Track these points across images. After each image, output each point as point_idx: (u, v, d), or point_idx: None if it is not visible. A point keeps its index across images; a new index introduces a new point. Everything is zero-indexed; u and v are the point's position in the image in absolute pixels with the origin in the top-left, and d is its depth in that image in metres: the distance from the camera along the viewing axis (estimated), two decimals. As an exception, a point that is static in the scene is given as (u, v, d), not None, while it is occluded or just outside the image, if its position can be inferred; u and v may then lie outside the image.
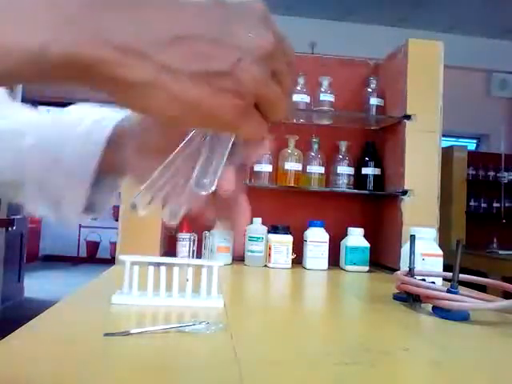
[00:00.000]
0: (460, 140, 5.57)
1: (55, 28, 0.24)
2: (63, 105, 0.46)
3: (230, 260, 1.38)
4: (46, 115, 0.46)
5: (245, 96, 0.28)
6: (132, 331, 0.56)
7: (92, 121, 0.44)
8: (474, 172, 4.11)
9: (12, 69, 0.24)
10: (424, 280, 0.83)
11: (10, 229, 3.32)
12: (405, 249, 1.12)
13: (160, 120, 0.34)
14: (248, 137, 0.32)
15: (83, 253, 6.40)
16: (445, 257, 1.08)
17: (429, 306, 0.80)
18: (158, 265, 0.75)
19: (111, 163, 0.44)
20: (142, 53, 0.25)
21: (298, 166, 1.47)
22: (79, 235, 6.35)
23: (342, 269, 1.42)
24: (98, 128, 0.43)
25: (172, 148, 0.35)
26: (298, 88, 1.49)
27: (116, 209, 1.29)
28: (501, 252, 3.32)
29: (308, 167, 1.48)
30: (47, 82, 0.27)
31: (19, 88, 3.57)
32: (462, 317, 0.74)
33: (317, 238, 1.38)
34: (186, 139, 0.34)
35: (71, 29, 0.24)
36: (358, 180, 1.51)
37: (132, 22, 0.25)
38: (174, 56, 0.26)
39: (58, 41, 0.24)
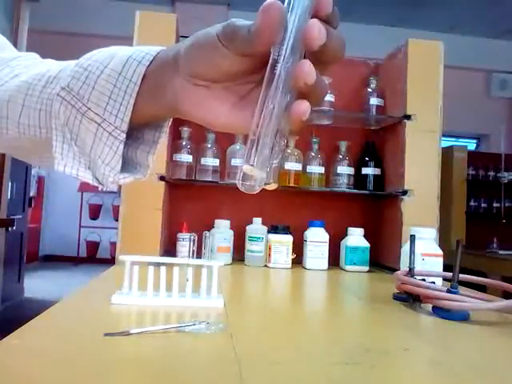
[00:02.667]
0: (460, 140, 5.57)
1: None
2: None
3: (230, 260, 1.38)
4: (69, 62, 0.42)
5: None
6: (132, 331, 0.56)
7: (125, 57, 0.38)
8: (473, 172, 4.12)
9: None
10: (424, 280, 0.83)
11: (9, 229, 3.32)
12: (405, 249, 1.12)
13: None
14: None
15: (83, 253, 6.40)
16: (445, 257, 1.08)
17: (429, 306, 0.80)
18: (158, 265, 0.75)
19: (147, 107, 0.39)
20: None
21: (298, 166, 1.47)
22: (79, 235, 6.35)
23: (342, 269, 1.42)
24: (133, 64, 0.38)
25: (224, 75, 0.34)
26: (298, 88, 1.49)
27: (116, 208, 1.29)
28: (501, 252, 3.32)
29: (308, 167, 1.48)
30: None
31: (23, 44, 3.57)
32: (461, 317, 0.74)
33: (317, 238, 1.38)
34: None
35: None
36: (358, 180, 1.51)
37: None
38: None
39: None
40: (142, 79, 0.38)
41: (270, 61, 0.32)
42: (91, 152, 0.40)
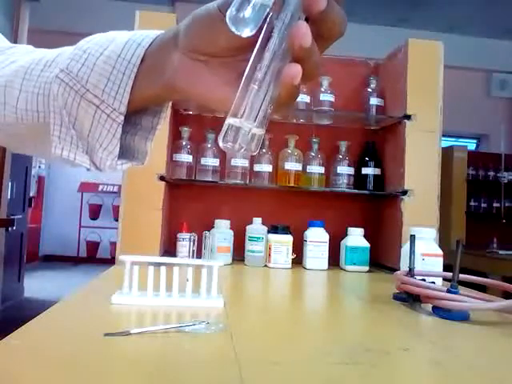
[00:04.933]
0: (460, 140, 5.57)
1: None
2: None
3: (230, 260, 1.38)
4: (68, 47, 0.42)
5: None
6: (132, 331, 0.56)
7: (124, 40, 0.38)
8: (474, 172, 4.12)
9: None
10: (424, 280, 0.83)
11: (10, 229, 3.32)
12: (405, 249, 1.12)
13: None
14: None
15: (83, 253, 6.40)
16: (445, 257, 1.08)
17: (429, 306, 0.80)
18: (158, 265, 0.75)
19: (145, 90, 0.38)
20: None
21: (298, 166, 1.47)
22: (79, 235, 6.36)
23: (342, 269, 1.42)
24: (132, 46, 0.38)
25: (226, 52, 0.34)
26: (298, 88, 1.49)
27: (116, 208, 1.30)
28: (501, 252, 3.32)
29: (308, 167, 1.48)
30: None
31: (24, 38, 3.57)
32: (462, 317, 0.74)
33: (317, 238, 1.38)
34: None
35: None
36: (358, 180, 1.51)
37: None
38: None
39: None
40: (142, 61, 0.38)
41: (266, 25, 0.31)
42: (89, 135, 0.39)
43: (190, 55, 0.35)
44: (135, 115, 0.42)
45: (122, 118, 0.38)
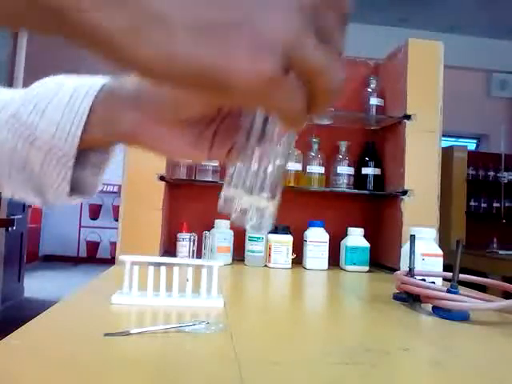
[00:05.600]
0: (460, 140, 5.57)
1: None
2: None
3: (230, 260, 1.38)
4: (19, 91, 0.42)
5: (270, 57, 0.20)
6: (132, 331, 0.56)
7: (71, 88, 0.39)
8: (474, 172, 4.12)
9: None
10: (424, 280, 0.83)
11: (9, 229, 3.32)
12: (405, 249, 1.12)
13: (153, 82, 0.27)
14: (279, 114, 0.25)
15: (83, 253, 6.41)
16: (445, 257, 1.08)
17: (429, 306, 0.80)
18: (158, 265, 0.75)
19: (91, 131, 0.39)
20: None
21: (298, 166, 1.47)
22: (79, 235, 6.36)
23: (342, 269, 1.42)
24: (79, 95, 0.38)
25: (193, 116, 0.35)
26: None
27: (116, 208, 1.30)
28: (501, 252, 3.32)
29: (308, 167, 1.48)
30: (37, 31, 0.23)
31: (19, 80, 3.56)
32: (462, 317, 0.74)
33: (317, 238, 1.38)
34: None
35: None
36: (358, 180, 1.51)
37: None
38: (162, 2, 0.20)
39: None
40: (93, 110, 0.38)
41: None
42: (39, 178, 0.40)
43: (155, 120, 0.37)
44: (84, 153, 0.42)
45: (72, 162, 0.39)
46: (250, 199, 0.33)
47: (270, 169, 0.33)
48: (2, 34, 3.36)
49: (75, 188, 0.42)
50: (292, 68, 0.22)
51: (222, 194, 0.36)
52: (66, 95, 0.39)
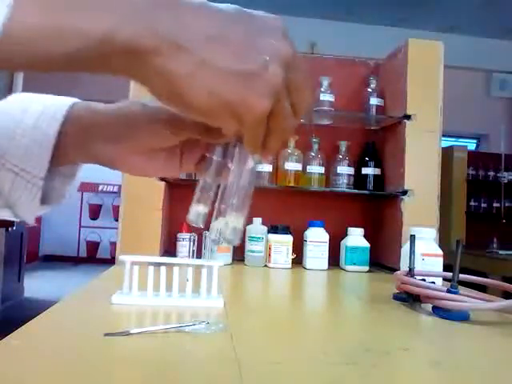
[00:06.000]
0: (460, 140, 5.57)
1: (119, 18, 0.26)
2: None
3: (229, 260, 1.38)
4: None
5: (274, 95, 0.30)
6: (132, 331, 0.56)
7: (39, 112, 0.41)
8: (474, 172, 4.12)
9: (73, 53, 0.25)
10: (424, 280, 0.83)
11: (10, 229, 3.32)
12: (405, 249, 1.12)
13: (193, 114, 0.32)
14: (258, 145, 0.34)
15: (83, 253, 6.40)
16: (445, 257, 1.08)
17: (429, 306, 0.80)
18: (158, 265, 0.75)
19: (64, 153, 0.41)
20: (184, 47, 0.28)
21: (298, 166, 1.47)
22: (79, 235, 6.36)
23: (342, 269, 1.42)
24: (46, 118, 0.40)
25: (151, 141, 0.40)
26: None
27: (116, 208, 1.29)
28: (501, 252, 3.32)
29: (308, 167, 1.48)
30: (98, 71, 0.28)
31: (19, 87, 3.56)
32: (462, 317, 0.74)
33: (317, 238, 1.38)
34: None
35: (132, 20, 0.26)
36: (358, 180, 1.51)
37: (176, 19, 0.28)
38: (212, 53, 0.28)
39: (120, 30, 0.26)
40: (65, 133, 0.40)
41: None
42: (10, 196, 0.41)
43: (128, 151, 0.41)
44: (55, 166, 0.43)
45: (42, 182, 0.40)
46: (221, 218, 0.39)
47: (239, 187, 0.39)
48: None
49: (44, 198, 0.43)
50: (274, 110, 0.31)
51: (192, 208, 0.43)
52: (33, 117, 0.40)
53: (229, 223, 0.38)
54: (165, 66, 0.28)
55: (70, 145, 0.41)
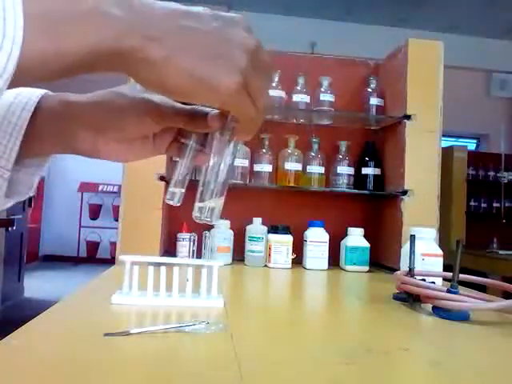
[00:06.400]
0: (460, 140, 5.57)
1: (100, 31, 0.31)
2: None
3: (229, 260, 1.38)
4: None
5: (242, 74, 0.34)
6: (132, 331, 0.56)
7: (9, 102, 0.41)
8: (474, 172, 4.12)
9: (67, 67, 0.30)
10: (424, 280, 0.83)
11: (10, 229, 3.32)
12: (405, 249, 1.12)
13: (176, 96, 0.37)
14: (240, 115, 0.38)
15: (83, 253, 6.40)
16: (445, 257, 1.08)
17: (429, 306, 0.80)
18: (158, 265, 0.75)
19: (40, 145, 0.42)
20: (158, 38, 0.32)
21: (298, 166, 1.47)
22: (79, 235, 6.36)
23: (342, 269, 1.42)
24: (18, 109, 0.41)
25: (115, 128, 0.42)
26: (298, 88, 1.49)
27: (116, 208, 1.29)
28: (501, 252, 3.32)
29: (308, 167, 1.48)
30: (87, 73, 0.33)
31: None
32: (462, 317, 0.74)
33: (317, 238, 1.38)
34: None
35: (114, 29, 0.31)
36: (358, 180, 1.51)
37: (149, 18, 0.33)
38: (184, 40, 0.33)
39: (103, 41, 0.30)
40: (39, 125, 0.41)
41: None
42: None
43: (106, 138, 0.42)
44: (25, 158, 0.44)
45: (8, 173, 0.41)
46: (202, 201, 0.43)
47: (218, 172, 0.42)
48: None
49: (9, 191, 0.43)
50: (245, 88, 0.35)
51: (169, 190, 0.47)
52: (3, 109, 0.41)
53: (207, 205, 0.42)
54: (143, 57, 0.32)
55: (46, 136, 0.42)
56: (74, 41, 0.29)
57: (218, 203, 0.43)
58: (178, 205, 0.47)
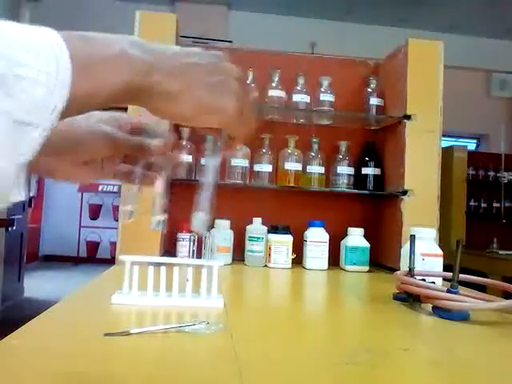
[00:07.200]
0: (460, 140, 5.57)
1: (133, 69, 0.36)
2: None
3: (229, 260, 1.38)
4: None
5: (238, 98, 0.41)
6: (132, 331, 0.56)
7: None
8: (474, 172, 4.12)
9: (101, 102, 0.36)
10: (424, 280, 0.83)
11: (10, 229, 3.32)
12: (405, 249, 1.12)
13: (184, 121, 0.43)
14: (240, 134, 0.45)
15: (83, 253, 6.40)
16: (445, 257, 1.08)
17: (429, 306, 0.80)
18: (158, 265, 0.75)
19: None
20: (174, 74, 0.39)
21: (298, 166, 1.47)
22: (79, 235, 6.35)
23: (342, 269, 1.42)
24: None
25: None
26: (298, 88, 1.49)
27: (116, 208, 1.29)
28: (501, 252, 3.32)
29: (308, 167, 1.48)
30: (117, 104, 0.38)
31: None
32: (462, 317, 0.74)
33: (317, 238, 1.38)
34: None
35: (141, 68, 0.37)
36: (358, 180, 1.51)
37: (165, 59, 0.39)
38: (193, 75, 0.40)
39: (136, 76, 0.36)
40: None
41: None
42: None
43: (63, 162, 0.48)
44: None
45: None
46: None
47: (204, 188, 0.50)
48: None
49: None
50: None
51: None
52: None
53: (198, 216, 0.50)
54: (164, 90, 0.38)
55: None
56: (110, 79, 0.35)
57: (205, 215, 0.51)
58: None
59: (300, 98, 1.48)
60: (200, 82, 0.40)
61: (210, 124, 0.43)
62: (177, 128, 1.45)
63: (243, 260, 1.40)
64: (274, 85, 1.47)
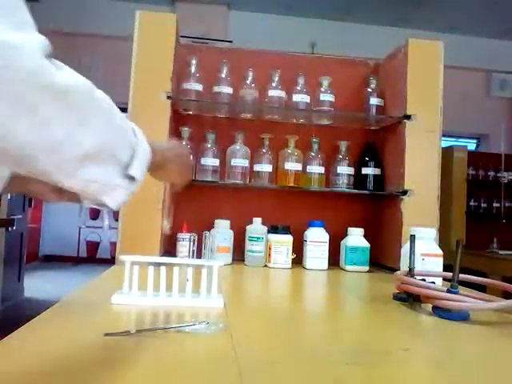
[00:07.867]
0: (460, 140, 5.57)
1: (159, 155, 0.62)
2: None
3: (229, 260, 1.38)
4: None
5: (187, 168, 0.76)
6: (132, 331, 0.56)
7: None
8: (474, 172, 4.11)
9: (154, 164, 0.59)
10: (424, 280, 0.83)
11: (10, 229, 3.32)
12: (405, 249, 1.12)
13: (170, 180, 0.75)
14: (181, 183, 0.75)
15: (83, 253, 6.40)
16: (445, 257, 1.08)
17: (429, 306, 0.80)
18: (158, 265, 0.75)
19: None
20: (170, 159, 0.67)
21: (298, 166, 1.47)
22: (79, 235, 6.35)
23: (342, 269, 1.42)
24: None
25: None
26: (298, 88, 1.49)
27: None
28: (501, 252, 3.32)
29: (308, 167, 1.48)
30: (154, 169, 0.62)
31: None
32: (461, 317, 0.74)
33: (317, 238, 1.38)
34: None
35: (161, 153, 0.63)
36: (358, 180, 1.51)
37: (166, 150, 0.67)
38: (178, 159, 0.70)
39: (161, 157, 0.63)
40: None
41: None
42: None
43: (46, 188, 0.57)
44: None
45: None
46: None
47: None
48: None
49: None
50: None
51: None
52: None
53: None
54: (168, 166, 0.66)
55: (10, 189, 0.57)
56: (155, 158, 0.57)
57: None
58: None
59: (300, 97, 1.48)
60: (181, 162, 0.70)
61: (177, 181, 0.73)
62: (176, 127, 1.45)
63: (243, 260, 1.40)
64: (273, 85, 1.47)
